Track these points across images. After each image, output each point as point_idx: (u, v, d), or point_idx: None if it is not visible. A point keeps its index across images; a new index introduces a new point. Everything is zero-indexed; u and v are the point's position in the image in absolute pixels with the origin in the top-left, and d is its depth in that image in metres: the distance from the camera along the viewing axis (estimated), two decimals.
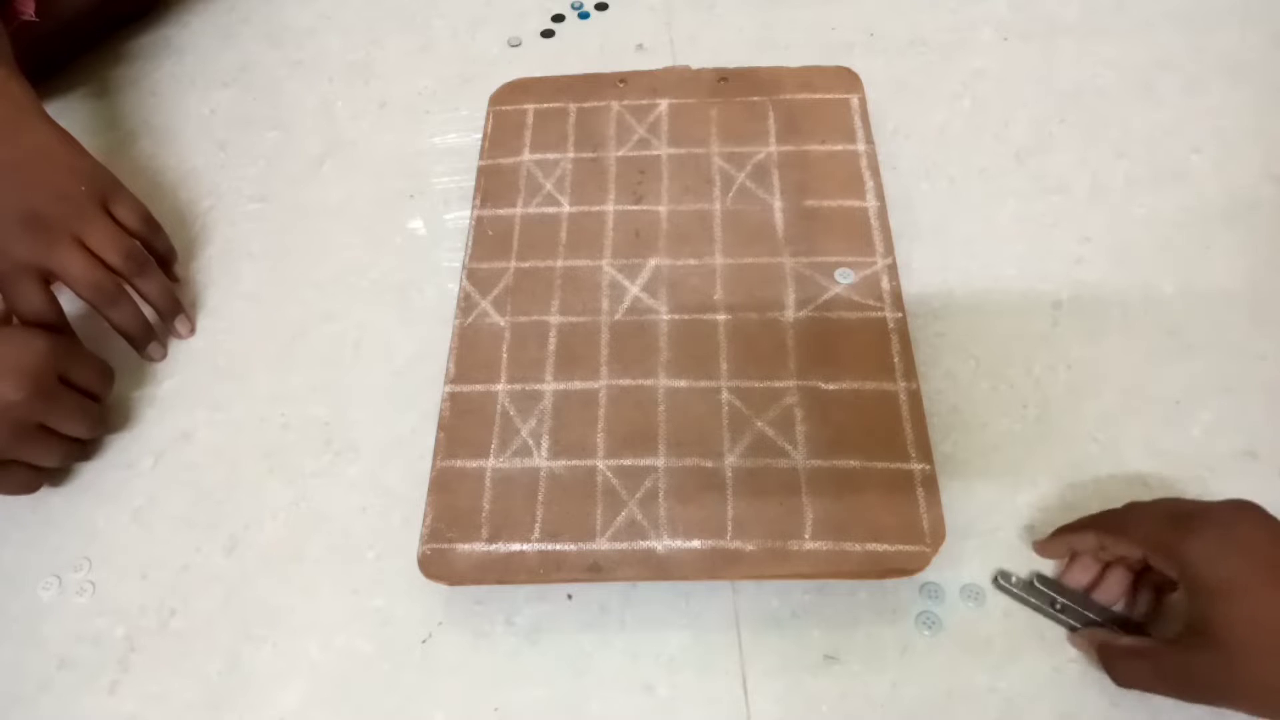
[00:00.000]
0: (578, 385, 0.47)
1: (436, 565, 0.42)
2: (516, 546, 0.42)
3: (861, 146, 0.55)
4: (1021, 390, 0.48)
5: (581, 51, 0.65)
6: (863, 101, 0.57)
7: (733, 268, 0.51)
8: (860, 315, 0.48)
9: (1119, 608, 0.41)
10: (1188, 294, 0.51)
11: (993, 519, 0.44)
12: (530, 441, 0.45)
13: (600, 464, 0.44)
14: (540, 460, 0.45)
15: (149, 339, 0.52)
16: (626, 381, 0.47)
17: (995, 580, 0.42)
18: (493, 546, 0.42)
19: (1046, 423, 0.47)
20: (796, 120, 0.57)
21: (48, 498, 0.48)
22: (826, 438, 0.44)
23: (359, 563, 0.45)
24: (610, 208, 0.54)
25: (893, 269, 0.50)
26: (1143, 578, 0.41)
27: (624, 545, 0.42)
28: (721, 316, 0.49)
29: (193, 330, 0.53)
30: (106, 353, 0.52)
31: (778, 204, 0.53)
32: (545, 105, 0.59)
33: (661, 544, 0.42)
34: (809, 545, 0.41)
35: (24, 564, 0.46)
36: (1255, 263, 0.52)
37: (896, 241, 0.51)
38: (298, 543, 0.46)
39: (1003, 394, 0.48)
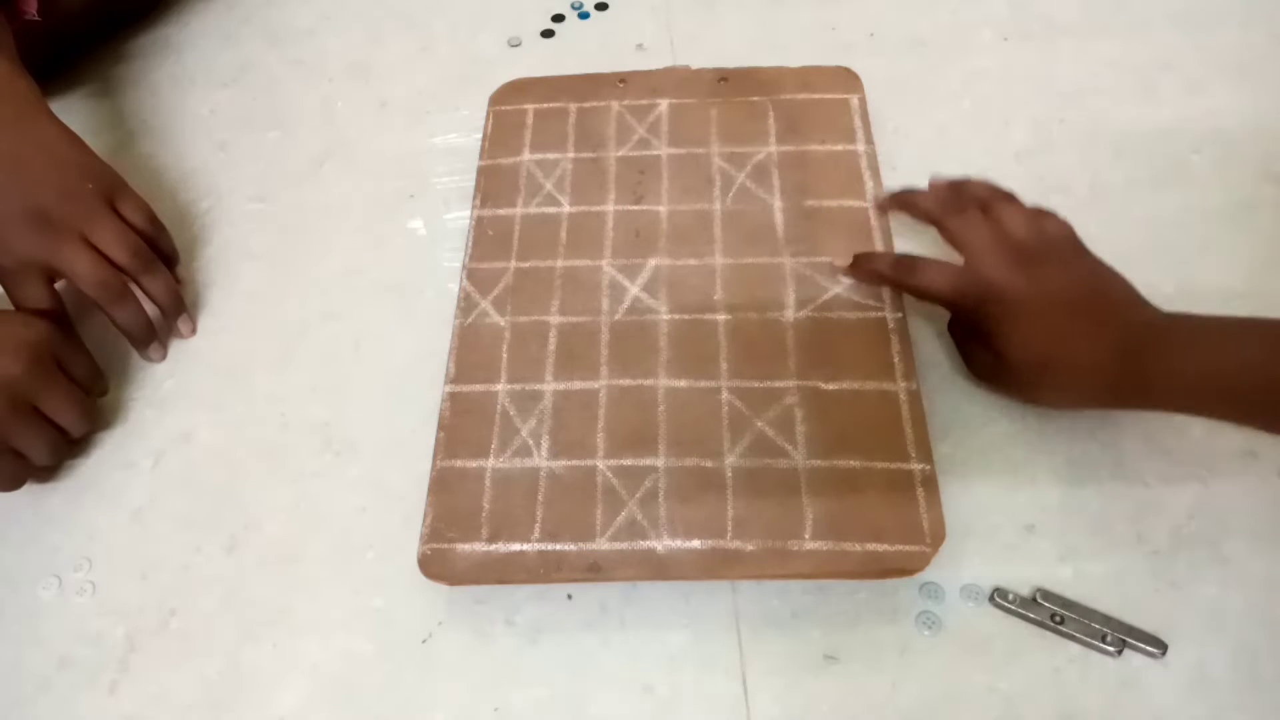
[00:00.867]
0: (578, 385, 0.47)
1: (436, 565, 0.42)
2: (516, 546, 0.42)
3: (861, 146, 0.55)
4: None
5: (581, 51, 0.65)
6: (863, 101, 0.57)
7: (733, 268, 0.51)
8: (860, 315, 0.48)
9: None
10: (1188, 294, 0.50)
11: (993, 519, 0.44)
12: (530, 441, 0.45)
13: (600, 464, 0.44)
14: (540, 460, 0.45)
15: (150, 339, 0.52)
16: (626, 381, 0.47)
17: (992, 598, 0.42)
18: (493, 546, 0.42)
19: (1046, 423, 0.47)
20: (796, 120, 0.57)
21: (48, 497, 0.48)
22: (826, 438, 0.44)
23: (359, 563, 0.45)
24: (610, 208, 0.54)
25: None
26: None
27: (624, 545, 0.42)
28: (721, 316, 0.49)
29: (194, 330, 0.54)
30: (107, 352, 0.52)
31: (778, 204, 0.53)
32: (545, 105, 0.59)
33: (661, 544, 0.42)
34: (809, 545, 0.41)
35: (24, 564, 0.46)
36: (1255, 263, 0.52)
37: (896, 241, 0.51)
38: (298, 543, 0.46)
39: None
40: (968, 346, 0.47)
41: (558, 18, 0.68)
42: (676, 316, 0.49)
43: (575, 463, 0.45)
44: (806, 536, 0.42)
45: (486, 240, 0.53)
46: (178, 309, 0.53)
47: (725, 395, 0.46)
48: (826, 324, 0.48)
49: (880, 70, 0.60)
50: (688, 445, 0.45)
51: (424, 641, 0.43)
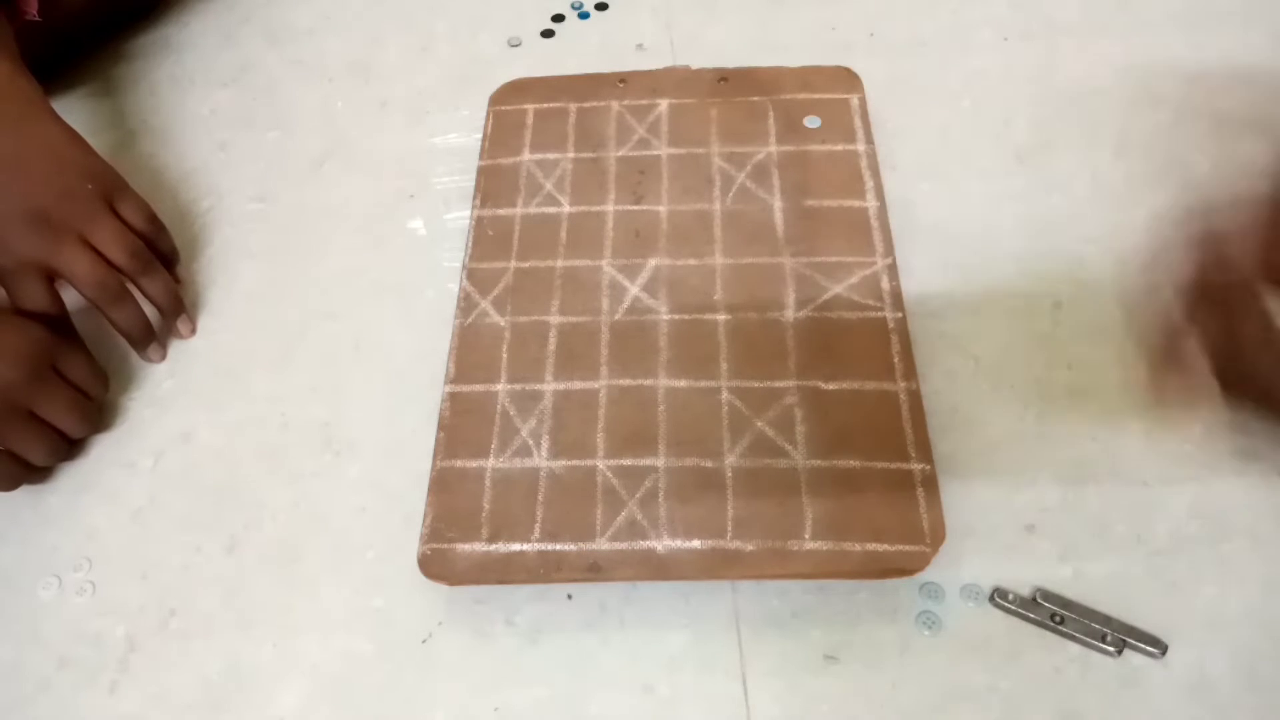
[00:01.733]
0: (578, 385, 0.47)
1: (436, 565, 0.42)
2: (516, 546, 0.42)
3: (861, 146, 0.55)
4: (1021, 390, 0.48)
5: (581, 51, 0.65)
6: (863, 101, 0.57)
7: (733, 268, 0.51)
8: (860, 315, 0.48)
9: None
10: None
11: (993, 519, 0.44)
12: (530, 441, 0.45)
13: (600, 464, 0.44)
14: (540, 460, 0.45)
15: (149, 340, 0.52)
16: (626, 381, 0.47)
17: (993, 598, 0.42)
18: (493, 546, 0.42)
19: (1046, 423, 0.47)
20: (796, 120, 0.57)
21: (47, 497, 0.48)
22: (826, 438, 0.44)
23: (359, 563, 0.45)
24: (610, 208, 0.54)
25: (893, 269, 0.50)
26: None
27: (624, 545, 0.42)
28: (721, 316, 0.49)
29: (194, 331, 0.53)
30: (107, 353, 0.52)
31: (778, 204, 0.53)
32: (545, 105, 0.59)
33: (661, 544, 0.42)
34: (809, 545, 0.41)
35: (24, 564, 0.46)
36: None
37: (896, 241, 0.51)
38: (298, 543, 0.46)
39: (1003, 394, 0.48)
40: None
41: (558, 18, 0.68)
42: (676, 316, 0.49)
43: (575, 463, 0.45)
44: (806, 536, 0.42)
45: (486, 240, 0.53)
46: (177, 310, 0.53)
47: (725, 395, 0.46)
48: (826, 324, 0.48)
49: (880, 70, 0.60)
50: (688, 445, 0.45)
51: (424, 641, 0.43)
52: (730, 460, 0.44)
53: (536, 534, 0.43)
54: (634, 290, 0.50)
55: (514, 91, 0.60)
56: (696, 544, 0.42)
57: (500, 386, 0.47)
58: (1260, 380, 0.34)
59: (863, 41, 0.64)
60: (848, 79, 0.58)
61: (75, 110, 0.64)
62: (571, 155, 0.56)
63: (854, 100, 0.57)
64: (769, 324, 0.48)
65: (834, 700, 0.40)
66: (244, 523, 0.47)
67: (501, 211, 0.54)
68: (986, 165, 0.57)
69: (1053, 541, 0.43)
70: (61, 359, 0.47)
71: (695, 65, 0.61)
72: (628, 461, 0.44)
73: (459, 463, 0.45)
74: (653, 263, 0.51)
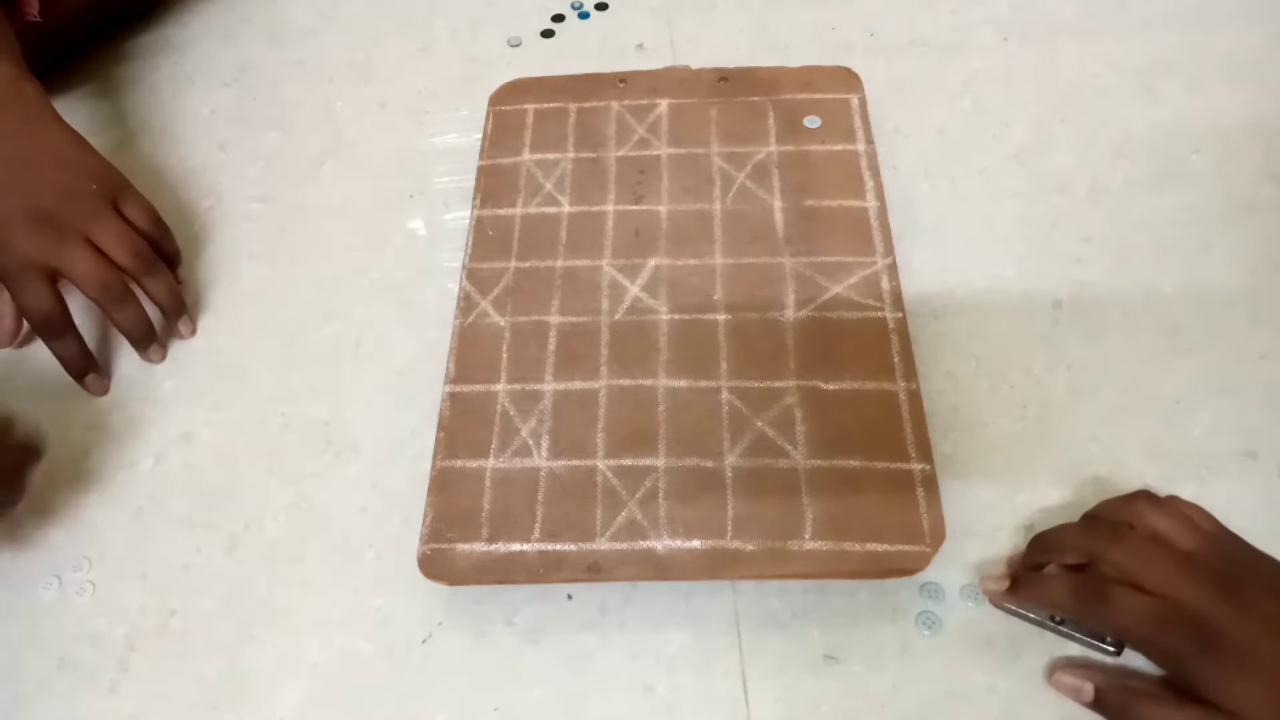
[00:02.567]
0: (578, 385, 0.47)
1: (436, 565, 0.42)
2: (516, 546, 0.42)
3: (861, 146, 0.55)
4: (1021, 390, 0.48)
5: (581, 51, 0.65)
6: (863, 101, 0.57)
7: (733, 268, 0.51)
8: (860, 315, 0.48)
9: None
10: (1188, 294, 0.51)
11: (993, 519, 0.44)
12: (530, 441, 0.45)
13: (600, 464, 0.44)
14: (540, 460, 0.45)
15: (151, 340, 0.52)
16: (626, 381, 0.47)
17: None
18: (493, 546, 0.42)
19: (1046, 423, 0.47)
20: (796, 120, 0.57)
21: (48, 497, 0.48)
22: (826, 438, 0.44)
23: (359, 563, 0.45)
24: (610, 208, 0.54)
25: (893, 269, 0.50)
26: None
27: (624, 545, 0.42)
28: (721, 316, 0.49)
29: (195, 331, 0.53)
30: (108, 353, 0.52)
31: (778, 204, 0.53)
32: (545, 105, 0.59)
33: (661, 544, 0.42)
34: (809, 545, 0.41)
35: (24, 564, 0.46)
36: (1255, 263, 0.52)
37: (896, 241, 0.51)
38: (298, 543, 0.46)
39: (1003, 394, 0.48)
40: (1145, 705, 0.37)
41: (558, 18, 0.68)
42: (676, 316, 0.49)
43: (575, 463, 0.45)
44: (806, 536, 0.42)
45: (486, 240, 0.53)
46: (179, 310, 0.53)
47: (725, 395, 0.46)
48: (826, 324, 0.48)
49: (880, 70, 0.60)
50: (688, 445, 0.45)
51: (424, 641, 0.43)
52: (730, 460, 0.44)
53: (536, 534, 0.43)
54: (634, 290, 0.50)
55: (514, 91, 0.60)
56: (696, 544, 0.42)
57: (500, 386, 0.47)
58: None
59: (863, 41, 0.64)
60: (848, 79, 0.58)
61: (75, 110, 0.64)
62: (571, 155, 0.56)
63: (854, 100, 0.57)
64: (769, 324, 0.48)
65: (834, 700, 0.40)
66: (244, 523, 0.47)
67: (501, 211, 0.54)
68: (986, 165, 0.57)
69: None
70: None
71: (695, 65, 0.61)
72: (628, 461, 0.44)
73: (459, 463, 0.45)
74: (653, 263, 0.51)
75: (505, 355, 0.48)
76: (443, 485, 0.44)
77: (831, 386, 0.46)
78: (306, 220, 0.58)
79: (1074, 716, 0.39)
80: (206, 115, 0.64)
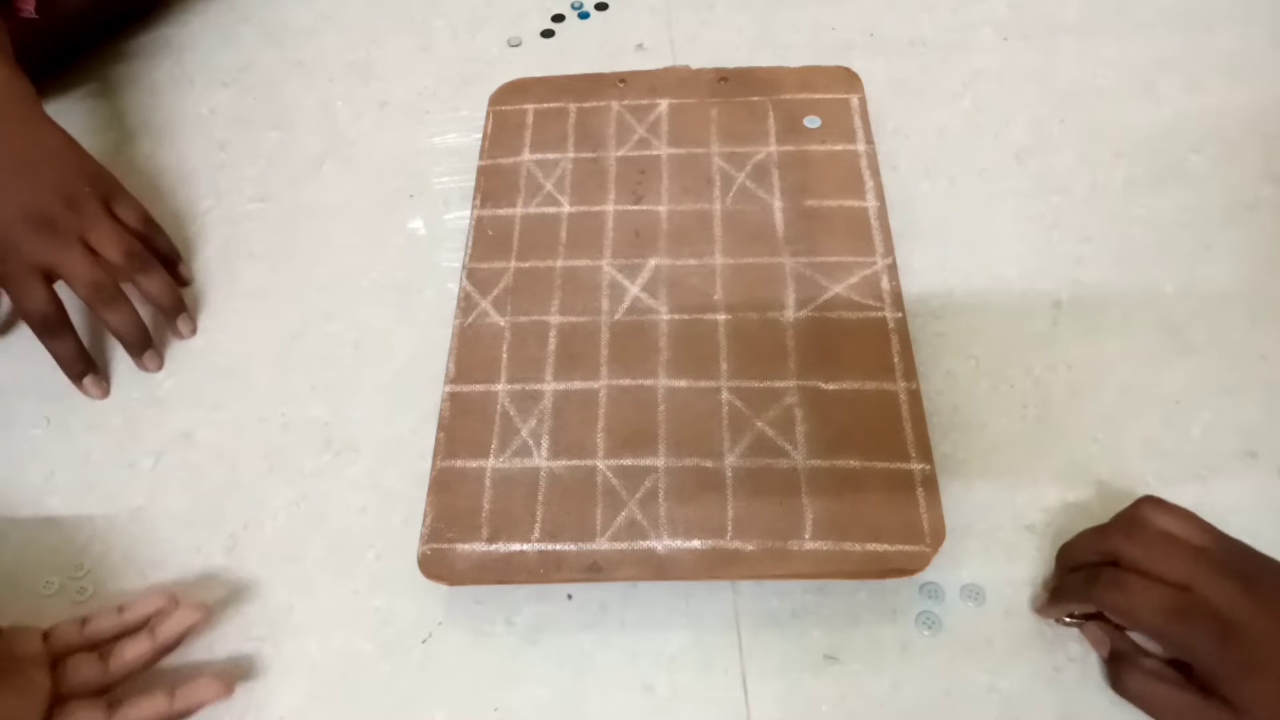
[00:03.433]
0: (578, 385, 0.47)
1: (436, 565, 0.42)
2: (516, 546, 0.42)
3: (861, 146, 0.55)
4: (1021, 390, 0.48)
5: (581, 51, 0.65)
6: (863, 101, 0.57)
7: (733, 268, 0.51)
8: (860, 315, 0.48)
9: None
10: (1188, 294, 0.51)
11: (993, 519, 0.44)
12: (530, 441, 0.45)
13: (600, 464, 0.44)
14: (540, 460, 0.45)
15: (146, 343, 0.51)
16: (626, 381, 0.47)
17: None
18: (493, 546, 0.42)
19: (1046, 423, 0.47)
20: (796, 120, 0.57)
21: (47, 497, 0.48)
22: (826, 438, 0.44)
23: (359, 563, 0.45)
24: (610, 208, 0.54)
25: (893, 269, 0.50)
26: None
27: (624, 545, 0.42)
28: (721, 316, 0.49)
29: (195, 329, 0.53)
30: (107, 354, 0.52)
31: (778, 204, 0.53)
32: (545, 105, 0.59)
33: (661, 544, 0.42)
34: (809, 545, 0.41)
35: (24, 564, 0.46)
36: (1255, 263, 0.52)
37: (896, 241, 0.51)
38: (298, 543, 0.46)
39: (1003, 394, 0.48)
40: (1161, 691, 0.37)
41: (558, 18, 0.68)
42: (676, 316, 0.49)
43: (575, 463, 0.45)
44: (806, 536, 0.42)
45: (486, 240, 0.53)
46: (177, 307, 0.53)
47: (725, 395, 0.46)
48: (826, 324, 0.48)
49: (880, 70, 0.60)
50: (688, 445, 0.45)
51: (424, 641, 0.43)
52: (730, 460, 0.44)
53: (536, 534, 0.43)
54: (634, 290, 0.50)
55: (514, 91, 0.60)
56: (696, 544, 0.42)
57: (500, 386, 0.47)
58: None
59: (863, 41, 0.64)
60: (848, 79, 0.58)
61: (75, 110, 0.64)
62: (571, 155, 0.56)
63: (854, 100, 0.57)
64: (769, 324, 0.48)
65: (834, 700, 0.40)
66: (244, 523, 0.47)
67: (501, 211, 0.54)
68: (986, 165, 0.57)
69: (1053, 541, 0.43)
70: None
71: (695, 65, 0.61)
72: (628, 461, 0.44)
73: (459, 463, 0.45)
74: (653, 263, 0.51)
75: (505, 355, 0.48)
76: (443, 485, 0.44)
77: (831, 386, 0.46)
78: (306, 220, 0.58)
79: (1075, 717, 0.39)
80: (206, 115, 0.64)
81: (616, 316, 0.49)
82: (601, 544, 0.42)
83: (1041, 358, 0.49)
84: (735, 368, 0.47)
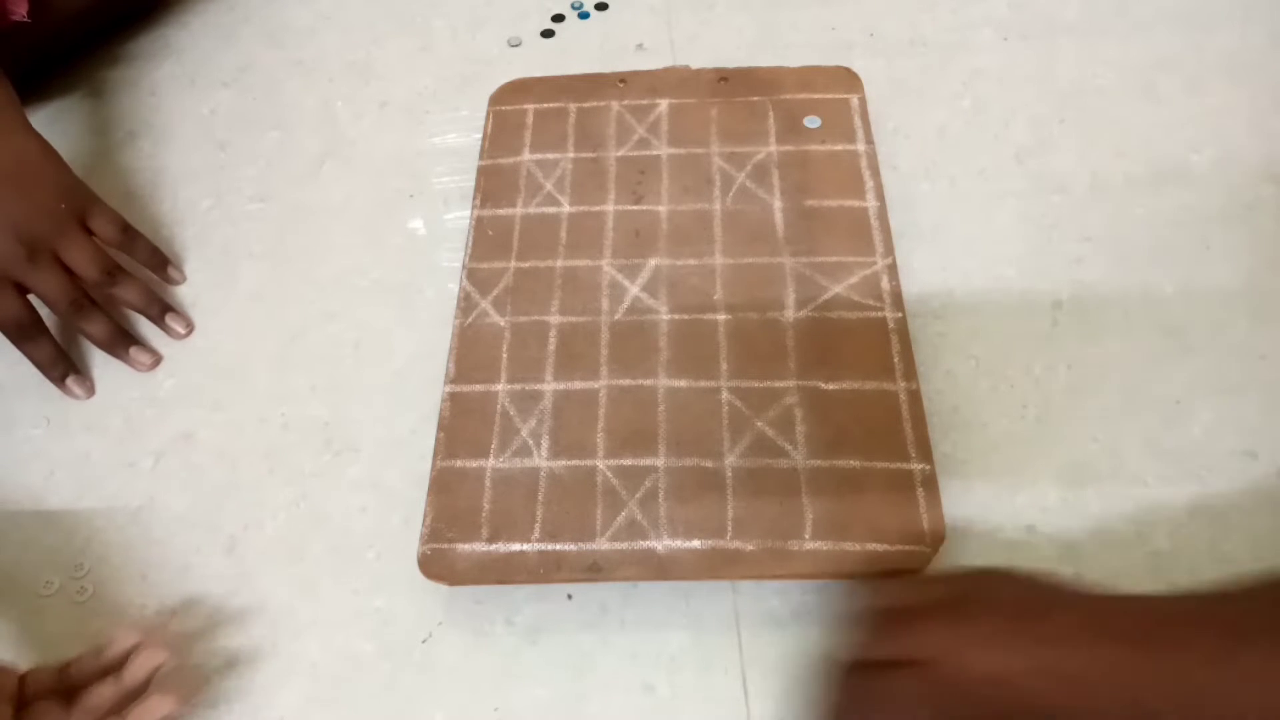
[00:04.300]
0: (578, 385, 0.47)
1: (436, 565, 0.42)
2: (516, 546, 0.42)
3: (861, 146, 0.55)
4: (1021, 390, 0.48)
5: (581, 51, 0.65)
6: (863, 101, 0.57)
7: (733, 268, 0.51)
8: (860, 315, 0.48)
9: None
10: (1188, 294, 0.51)
11: (993, 519, 0.44)
12: (530, 441, 0.45)
13: (600, 464, 0.44)
14: (540, 460, 0.45)
15: (126, 345, 0.52)
16: (626, 381, 0.47)
17: None
18: (493, 546, 0.42)
19: (1046, 423, 0.47)
20: (796, 120, 0.57)
21: (47, 497, 0.48)
22: (826, 438, 0.44)
23: (359, 563, 0.45)
24: (610, 208, 0.54)
25: (893, 269, 0.50)
26: None
27: (624, 545, 0.42)
28: (721, 316, 0.49)
29: (189, 327, 0.53)
30: (103, 357, 0.52)
31: (778, 204, 0.53)
32: (545, 105, 0.59)
33: (661, 544, 0.42)
34: (809, 545, 0.41)
35: (24, 564, 0.46)
36: (1255, 263, 0.52)
37: (896, 241, 0.51)
38: (298, 543, 0.46)
39: (1003, 394, 0.48)
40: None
41: (558, 18, 0.68)
42: (676, 316, 0.49)
43: (575, 463, 0.45)
44: (806, 536, 0.42)
45: (486, 240, 0.53)
46: (160, 309, 0.53)
47: (725, 395, 0.46)
48: (826, 324, 0.48)
49: (880, 70, 0.60)
50: (688, 445, 0.45)
51: (424, 641, 0.43)
52: (730, 460, 0.44)
53: (536, 534, 0.43)
54: (634, 290, 0.50)
55: (514, 91, 0.60)
56: (696, 544, 0.42)
57: (500, 386, 0.47)
58: None
59: (863, 41, 0.64)
60: (848, 79, 0.58)
61: (75, 110, 0.64)
62: (571, 155, 0.56)
63: (854, 100, 0.57)
64: (769, 324, 0.48)
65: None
66: (244, 523, 0.47)
67: (501, 211, 0.54)
68: (986, 165, 0.57)
69: (1053, 541, 0.43)
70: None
71: (695, 65, 0.61)
72: (628, 461, 0.44)
73: (459, 463, 0.45)
74: (653, 263, 0.51)
75: (505, 355, 0.48)
76: (443, 485, 0.44)
77: (831, 386, 0.46)
78: (306, 220, 0.58)
79: None
80: (206, 115, 0.64)
81: (616, 316, 0.49)
82: (601, 544, 0.42)
83: (1041, 358, 0.49)
84: (735, 368, 0.47)
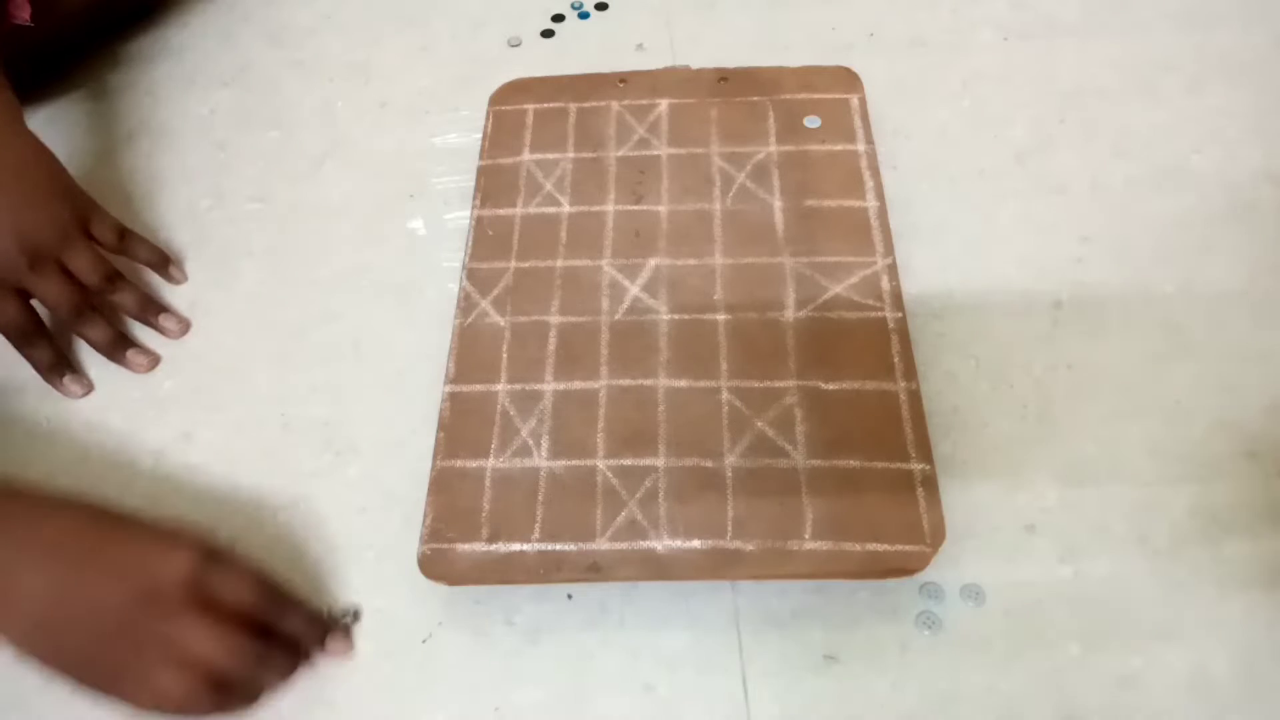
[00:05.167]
0: (578, 385, 0.47)
1: (436, 565, 0.42)
2: (516, 546, 0.42)
3: (861, 146, 0.55)
4: (1021, 390, 0.48)
5: (581, 51, 0.65)
6: (863, 101, 0.57)
7: (733, 268, 0.51)
8: (860, 315, 0.48)
9: None
10: (1188, 294, 0.51)
11: (993, 519, 0.44)
12: (530, 441, 0.45)
13: (600, 464, 0.44)
14: (540, 460, 0.45)
15: (123, 348, 0.52)
16: (626, 381, 0.47)
17: None
18: (493, 546, 0.42)
19: (1046, 423, 0.47)
20: (796, 120, 0.57)
21: None
22: (826, 438, 0.44)
23: (359, 563, 0.45)
24: (610, 208, 0.54)
25: (893, 269, 0.50)
26: None
27: (624, 545, 0.42)
28: (721, 316, 0.49)
29: (183, 326, 0.53)
30: (101, 358, 0.52)
31: (778, 204, 0.53)
32: (545, 105, 0.59)
33: (661, 544, 0.42)
34: (809, 545, 0.41)
35: None
36: (1255, 263, 0.52)
37: (896, 241, 0.51)
38: (298, 543, 0.46)
39: (1003, 394, 0.48)
40: None
41: (558, 18, 0.68)
42: (676, 316, 0.49)
43: (575, 463, 0.45)
44: (806, 536, 0.42)
45: (486, 240, 0.53)
46: (154, 312, 0.53)
47: (725, 395, 0.46)
48: (826, 324, 0.48)
49: (880, 70, 0.60)
50: (688, 445, 0.45)
51: (424, 641, 0.43)
52: (730, 460, 0.44)
53: (536, 534, 0.43)
54: (634, 290, 0.50)
55: (514, 91, 0.60)
56: (696, 544, 0.42)
57: (500, 386, 0.47)
58: None
59: (863, 41, 0.64)
60: (848, 79, 0.58)
61: (74, 111, 0.64)
62: (571, 155, 0.56)
63: (854, 100, 0.57)
64: (769, 324, 0.48)
65: (834, 700, 0.40)
66: (244, 523, 0.47)
67: (501, 211, 0.54)
68: (986, 165, 0.57)
69: (1053, 541, 0.43)
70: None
71: (695, 65, 0.61)
72: (628, 461, 0.44)
73: (459, 463, 0.45)
74: (653, 263, 0.51)
75: (505, 355, 0.48)
76: (443, 485, 0.44)
77: (831, 386, 0.46)
78: (306, 220, 0.58)
79: (1075, 717, 0.39)
80: (206, 115, 0.64)
81: (616, 316, 0.49)
82: (601, 544, 0.42)
83: (1041, 358, 0.49)
84: (735, 368, 0.47)
